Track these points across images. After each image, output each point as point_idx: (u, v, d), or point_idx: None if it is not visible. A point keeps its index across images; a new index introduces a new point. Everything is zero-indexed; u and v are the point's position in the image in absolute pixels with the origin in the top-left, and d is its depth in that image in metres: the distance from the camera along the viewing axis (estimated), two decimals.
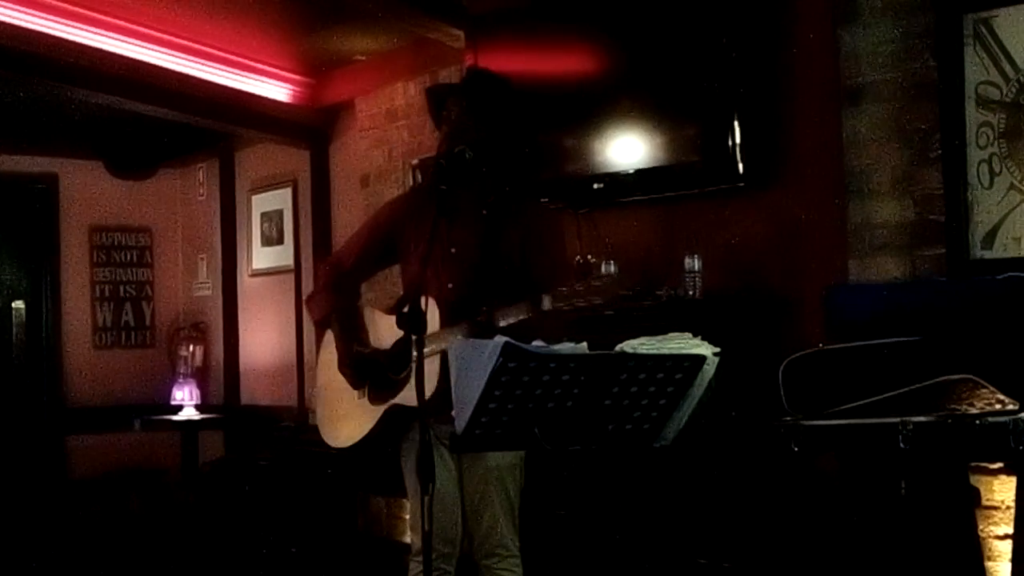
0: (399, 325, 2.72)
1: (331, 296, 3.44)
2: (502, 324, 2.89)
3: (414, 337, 2.63)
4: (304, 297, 3.65)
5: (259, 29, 6.15)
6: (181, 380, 7.70)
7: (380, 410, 3.20)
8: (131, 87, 6.18)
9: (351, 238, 3.65)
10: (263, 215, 7.60)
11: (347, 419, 3.31)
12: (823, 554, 3.73)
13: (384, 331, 3.27)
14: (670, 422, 2.46)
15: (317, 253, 6.95)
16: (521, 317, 2.87)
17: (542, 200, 4.64)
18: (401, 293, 3.37)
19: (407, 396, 3.09)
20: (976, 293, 3.05)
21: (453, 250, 3.19)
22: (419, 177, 5.96)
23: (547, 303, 2.79)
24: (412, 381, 2.68)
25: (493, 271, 3.15)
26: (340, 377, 3.34)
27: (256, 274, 7.70)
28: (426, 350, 2.96)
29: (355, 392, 3.30)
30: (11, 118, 7.05)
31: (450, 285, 3.15)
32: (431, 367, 2.88)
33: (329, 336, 3.45)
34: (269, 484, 6.43)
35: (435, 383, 2.86)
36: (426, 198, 3.31)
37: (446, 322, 3.04)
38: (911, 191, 3.94)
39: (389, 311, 3.32)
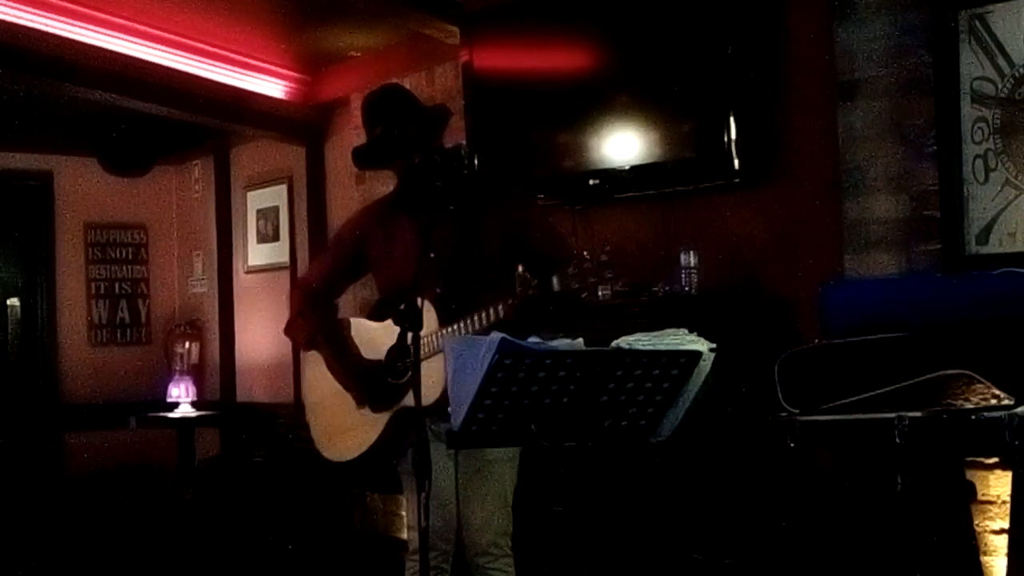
0: (396, 322, 2.71)
1: (310, 318, 3.43)
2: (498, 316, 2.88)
3: (411, 334, 2.63)
4: (283, 327, 3.63)
5: (254, 26, 6.14)
6: (177, 377, 7.70)
7: (385, 417, 3.18)
8: (126, 84, 6.17)
9: (316, 260, 3.65)
10: (258, 212, 7.60)
11: (349, 432, 3.28)
12: (820, 549, 3.73)
13: (373, 338, 3.25)
14: (666, 418, 2.46)
15: (313, 250, 6.95)
16: (534, 300, 2.83)
17: (538, 196, 4.65)
18: (377, 297, 3.36)
19: (412, 399, 3.07)
20: (972, 288, 3.05)
21: (433, 255, 3.17)
22: None
23: (556, 284, 2.78)
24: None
25: (475, 269, 3.15)
26: (331, 393, 3.31)
27: (252, 271, 7.69)
28: (425, 353, 2.96)
29: (352, 404, 3.26)
30: (6, 115, 7.04)
31: (437, 289, 3.13)
32: (435, 369, 2.86)
33: (311, 357, 3.42)
34: (265, 481, 6.43)
35: (441, 385, 2.84)
36: (389, 208, 3.35)
37: (444, 322, 3.03)
38: (906, 187, 3.94)
39: (373, 317, 3.31)
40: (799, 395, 2.96)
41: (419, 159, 3.17)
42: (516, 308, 2.84)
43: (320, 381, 3.37)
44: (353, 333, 3.36)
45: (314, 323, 3.42)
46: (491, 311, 2.91)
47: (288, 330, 3.57)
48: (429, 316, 3.02)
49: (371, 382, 3.23)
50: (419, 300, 2.70)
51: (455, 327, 3.00)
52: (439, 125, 3.30)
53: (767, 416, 3.01)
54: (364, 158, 3.38)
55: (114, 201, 8.27)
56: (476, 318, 2.94)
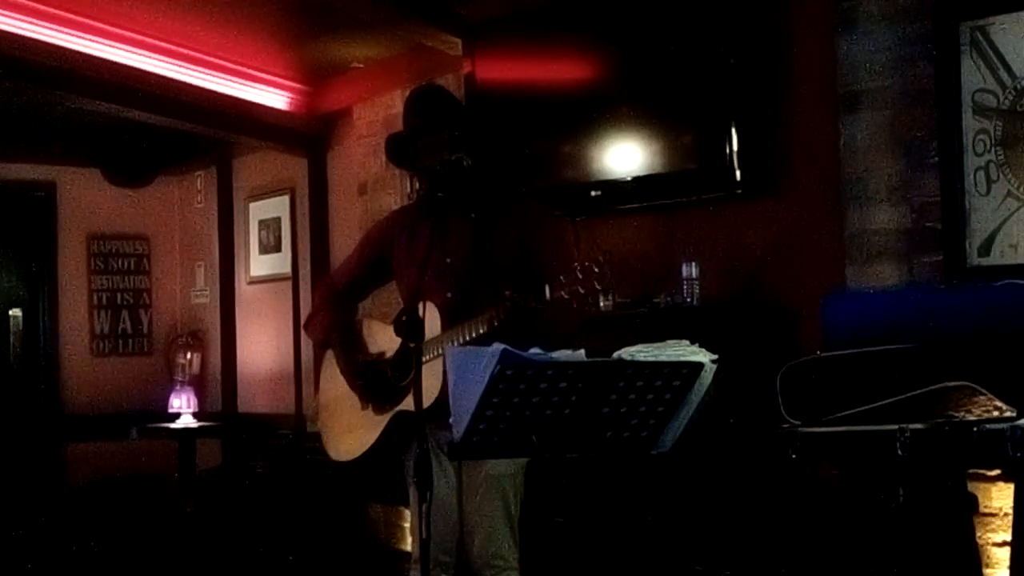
0: (397, 333, 2.72)
1: (328, 315, 3.46)
2: (483, 330, 2.89)
3: (412, 345, 2.63)
4: (302, 321, 3.66)
5: (257, 37, 6.15)
6: (179, 388, 7.68)
7: (385, 418, 3.20)
8: (129, 95, 6.18)
9: (344, 260, 3.68)
10: (261, 223, 7.60)
11: (352, 431, 3.31)
12: (822, 561, 3.72)
13: (384, 341, 3.28)
14: (668, 429, 2.45)
15: (315, 261, 6.95)
16: (525, 308, 2.83)
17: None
18: (401, 305, 3.38)
19: (411, 402, 3.09)
20: (973, 300, 3.05)
21: (448, 259, 3.19)
22: (416, 185, 5.96)
23: (548, 292, 2.80)
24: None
25: (489, 277, 3.15)
26: (342, 393, 3.33)
27: (254, 282, 7.70)
28: (427, 357, 2.98)
29: (359, 404, 3.29)
30: (9, 126, 7.06)
31: (448, 294, 3.15)
32: (434, 373, 2.87)
33: (330, 355, 3.45)
34: (267, 492, 6.42)
35: (438, 389, 2.86)
36: (415, 212, 3.36)
37: (447, 327, 3.04)
38: (908, 198, 3.94)
39: (389, 322, 3.32)
40: (801, 407, 2.96)
41: (423, 169, 3.18)
42: (504, 319, 2.85)
43: (334, 381, 3.39)
44: (365, 333, 3.39)
45: (330, 322, 3.44)
46: (481, 321, 2.92)
47: (307, 326, 3.61)
48: (434, 320, 3.03)
49: (374, 382, 3.24)
50: (422, 307, 2.70)
51: (450, 335, 3.00)
52: (474, 132, 3.30)
53: (769, 428, 3.01)
54: (393, 149, 3.37)
55: (117, 212, 8.27)
56: (468, 327, 2.95)
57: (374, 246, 3.47)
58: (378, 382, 3.24)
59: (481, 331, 2.90)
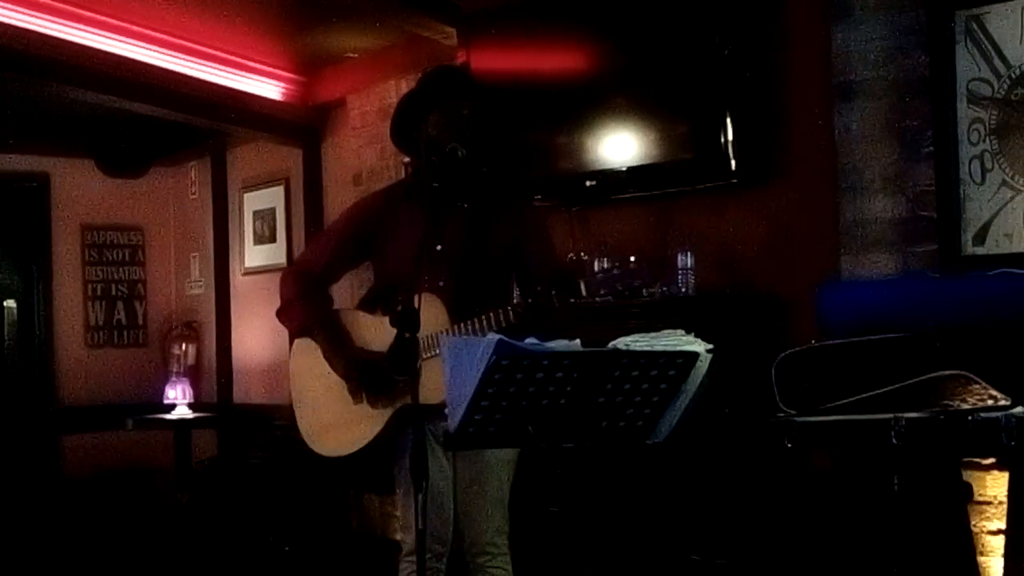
0: (392, 324, 2.70)
1: (308, 303, 3.33)
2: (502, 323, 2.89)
3: (407, 335, 2.62)
4: (276, 310, 3.52)
5: (251, 27, 6.14)
6: (174, 379, 7.69)
7: (387, 413, 3.11)
8: (123, 85, 6.16)
9: (316, 243, 3.55)
10: (255, 213, 7.60)
11: (344, 426, 3.19)
12: (817, 550, 3.73)
13: (372, 332, 3.19)
14: (663, 419, 2.46)
15: None
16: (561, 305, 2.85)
17: (535, 197, 4.67)
18: (372, 285, 3.31)
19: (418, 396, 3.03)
20: (968, 289, 3.06)
21: (440, 247, 3.16)
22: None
23: (583, 289, 2.79)
24: (421, 380, 2.63)
25: (481, 267, 3.14)
26: (327, 386, 3.21)
27: (249, 272, 7.69)
28: (434, 351, 2.95)
29: (347, 398, 3.18)
30: (2, 117, 7.03)
31: (441, 283, 3.12)
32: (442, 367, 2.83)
33: (300, 346, 3.33)
34: (262, 483, 6.42)
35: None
36: (400, 197, 3.29)
37: (453, 318, 3.01)
38: (903, 188, 3.94)
39: (366, 308, 3.26)
40: (796, 396, 2.97)
41: (424, 145, 3.13)
42: (524, 312, 2.86)
43: (308, 372, 3.27)
44: (350, 325, 3.26)
45: (313, 311, 3.30)
46: (500, 313, 2.91)
47: (283, 314, 3.43)
48: (439, 310, 3.01)
49: (373, 376, 3.13)
50: (418, 298, 2.67)
51: (465, 325, 2.98)
52: (479, 121, 3.23)
53: (764, 417, 3.02)
54: (402, 114, 3.26)
55: (111, 203, 8.26)
56: (486, 319, 2.94)
57: (357, 228, 3.35)
58: (375, 376, 3.12)
59: (501, 324, 2.89)
